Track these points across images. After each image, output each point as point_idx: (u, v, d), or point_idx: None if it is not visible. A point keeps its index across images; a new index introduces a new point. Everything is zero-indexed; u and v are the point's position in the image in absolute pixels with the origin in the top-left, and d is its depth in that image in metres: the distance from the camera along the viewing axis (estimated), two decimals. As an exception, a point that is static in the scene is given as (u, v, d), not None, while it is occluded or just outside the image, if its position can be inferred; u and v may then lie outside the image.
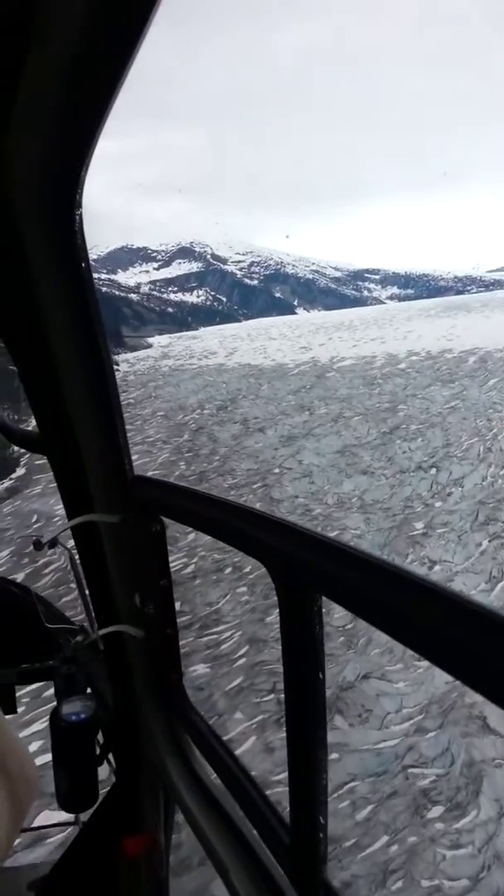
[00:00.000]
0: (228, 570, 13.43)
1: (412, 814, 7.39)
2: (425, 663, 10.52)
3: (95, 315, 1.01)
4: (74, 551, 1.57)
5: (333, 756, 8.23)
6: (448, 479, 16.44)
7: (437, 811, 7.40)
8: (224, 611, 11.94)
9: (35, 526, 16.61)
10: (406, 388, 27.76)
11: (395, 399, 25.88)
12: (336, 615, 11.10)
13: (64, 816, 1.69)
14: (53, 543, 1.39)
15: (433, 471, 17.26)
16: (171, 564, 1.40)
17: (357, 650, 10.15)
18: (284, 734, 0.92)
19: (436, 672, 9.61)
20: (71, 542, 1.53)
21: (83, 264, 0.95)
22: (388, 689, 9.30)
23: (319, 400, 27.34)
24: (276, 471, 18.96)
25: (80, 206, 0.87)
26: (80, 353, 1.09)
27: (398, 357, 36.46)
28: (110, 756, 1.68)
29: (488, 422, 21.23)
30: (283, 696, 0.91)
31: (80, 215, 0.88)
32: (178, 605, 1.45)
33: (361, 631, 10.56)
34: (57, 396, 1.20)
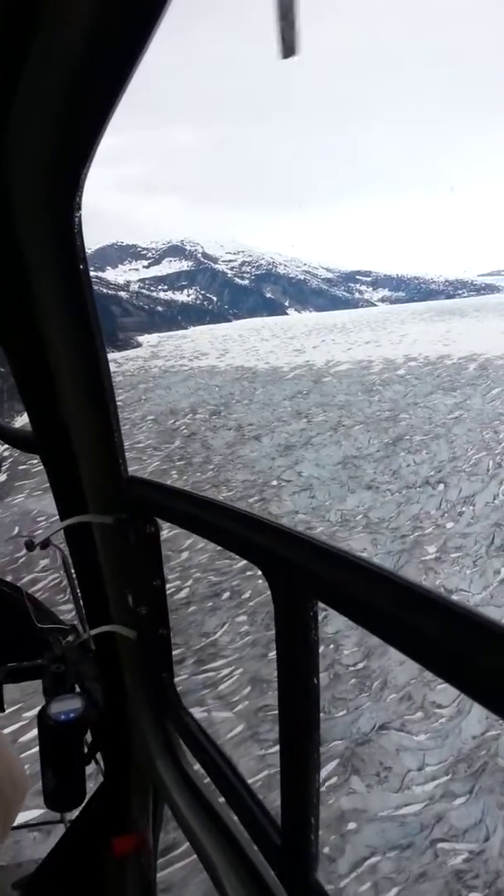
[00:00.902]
0: (226, 595, 12.42)
1: (445, 902, 6.42)
2: (448, 711, 9.56)
3: (93, 316, 1.01)
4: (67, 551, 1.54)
5: (351, 826, 7.26)
6: (458, 496, 15.51)
7: (474, 900, 6.44)
8: (222, 643, 10.90)
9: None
10: (406, 396, 26.87)
11: (395, 407, 24.95)
12: (346, 652, 10.14)
13: (50, 815, 1.69)
14: (46, 544, 1.35)
15: (441, 487, 16.34)
16: None
17: (371, 694, 9.17)
18: None
19: (462, 724, 8.66)
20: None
21: (81, 266, 0.94)
22: (408, 742, 8.33)
23: (317, 406, 26.37)
24: (275, 483, 17.99)
25: (79, 207, 0.86)
26: (76, 352, 1.08)
27: (396, 362, 35.62)
28: (98, 756, 1.68)
29: (496, 434, 20.33)
30: None
31: (80, 217, 0.87)
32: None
33: (375, 672, 9.59)
34: (52, 396, 1.20)
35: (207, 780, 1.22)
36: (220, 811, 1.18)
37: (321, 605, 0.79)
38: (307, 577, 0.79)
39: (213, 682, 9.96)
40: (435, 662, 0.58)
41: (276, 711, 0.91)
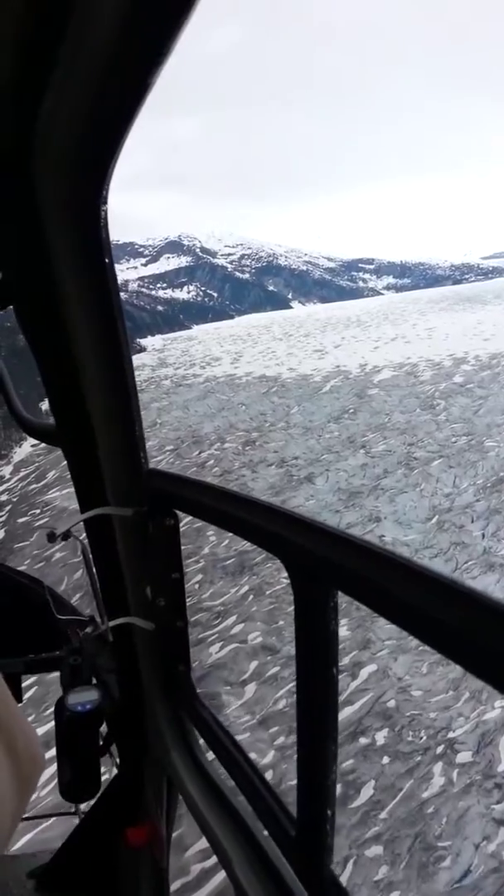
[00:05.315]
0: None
1: None
2: None
3: (117, 308, 1.01)
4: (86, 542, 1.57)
5: None
6: None
7: None
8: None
9: None
10: (479, 413, 22.36)
11: (473, 430, 20.46)
12: None
13: (65, 806, 1.72)
14: (67, 536, 1.40)
15: None
16: None
17: None
18: None
19: None
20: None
21: (107, 259, 0.95)
22: None
23: (372, 430, 21.90)
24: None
25: (105, 201, 0.86)
26: (100, 345, 1.09)
27: (444, 366, 31.06)
28: (113, 747, 1.70)
29: None
30: None
31: (106, 211, 0.88)
32: None
33: None
34: (74, 388, 1.21)
35: (222, 770, 1.23)
36: (235, 802, 1.20)
37: None
38: (327, 567, 0.80)
39: None
40: (457, 652, 0.58)
41: None
